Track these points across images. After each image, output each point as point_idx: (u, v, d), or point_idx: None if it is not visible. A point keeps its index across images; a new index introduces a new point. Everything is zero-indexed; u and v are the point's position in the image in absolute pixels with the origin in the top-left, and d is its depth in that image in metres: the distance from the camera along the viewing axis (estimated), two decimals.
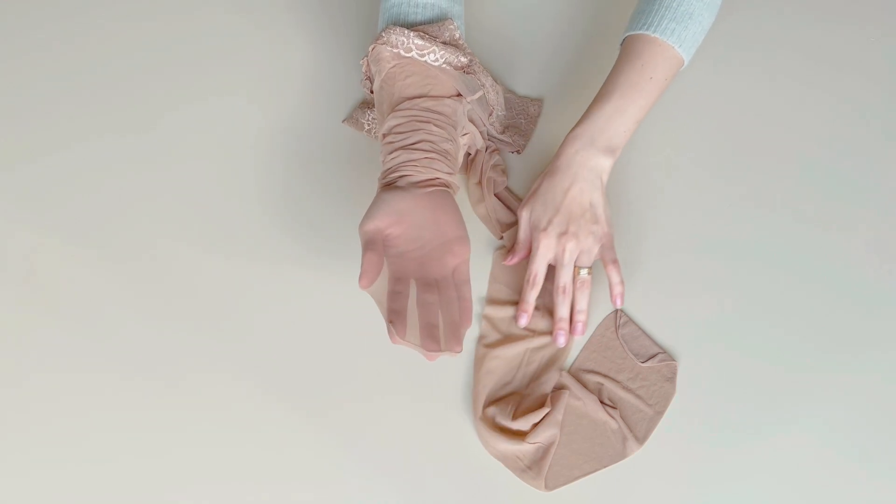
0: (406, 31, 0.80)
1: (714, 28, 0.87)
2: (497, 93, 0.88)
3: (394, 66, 0.81)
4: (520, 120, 0.92)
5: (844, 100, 0.92)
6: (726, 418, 0.79)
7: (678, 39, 0.81)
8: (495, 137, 0.90)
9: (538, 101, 0.93)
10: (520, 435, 0.77)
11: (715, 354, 0.81)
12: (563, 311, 0.81)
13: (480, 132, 0.87)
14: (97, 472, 0.77)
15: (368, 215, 0.75)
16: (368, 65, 0.85)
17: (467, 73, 0.84)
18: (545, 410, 0.78)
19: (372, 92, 0.88)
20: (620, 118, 0.81)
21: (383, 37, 0.81)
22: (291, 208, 0.88)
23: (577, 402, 0.79)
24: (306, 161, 0.90)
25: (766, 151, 0.90)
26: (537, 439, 0.77)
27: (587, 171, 0.80)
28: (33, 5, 0.99)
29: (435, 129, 0.79)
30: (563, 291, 0.81)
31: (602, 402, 0.80)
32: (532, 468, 0.77)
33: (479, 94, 0.83)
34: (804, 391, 0.80)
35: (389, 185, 0.77)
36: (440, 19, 0.84)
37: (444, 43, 0.82)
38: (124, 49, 0.97)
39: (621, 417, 0.79)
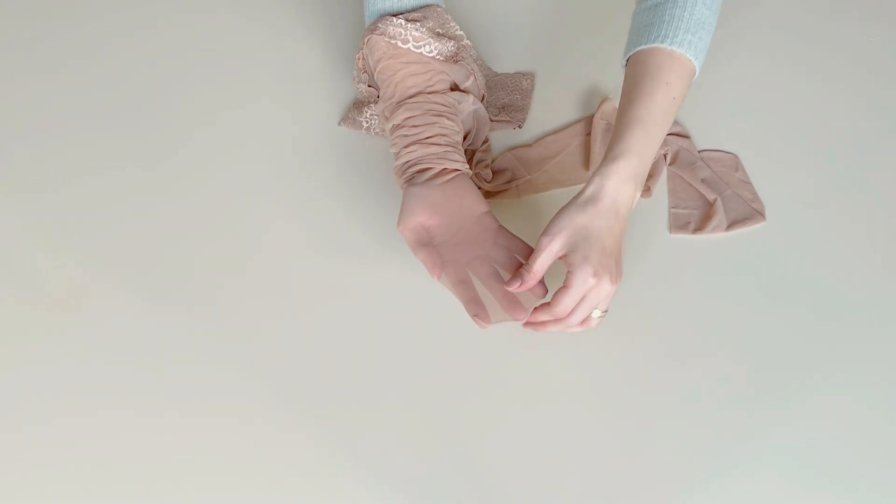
0: (403, 22, 0.82)
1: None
2: (482, 76, 0.89)
3: (391, 58, 0.82)
4: (515, 97, 0.93)
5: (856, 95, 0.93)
6: (713, 427, 0.78)
7: (695, 51, 0.76)
8: (493, 120, 0.91)
9: (530, 75, 0.95)
10: None
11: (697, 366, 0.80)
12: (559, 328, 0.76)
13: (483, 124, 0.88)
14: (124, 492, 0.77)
15: (407, 213, 0.78)
16: (364, 58, 0.86)
17: (457, 62, 0.85)
18: None
19: (370, 86, 0.89)
20: (654, 147, 0.75)
21: (380, 27, 0.81)
22: (311, 214, 0.89)
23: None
24: (311, 164, 0.91)
25: (776, 152, 0.90)
26: None
27: (626, 209, 0.74)
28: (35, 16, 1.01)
29: (447, 122, 0.81)
30: (567, 326, 0.75)
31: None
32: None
33: (471, 79, 0.84)
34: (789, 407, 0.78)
35: (411, 179, 0.79)
36: (425, 5, 0.85)
37: (435, 31, 0.83)
38: (130, 64, 0.98)
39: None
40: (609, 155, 0.74)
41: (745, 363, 0.80)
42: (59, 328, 0.83)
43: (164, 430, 0.78)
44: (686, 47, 0.76)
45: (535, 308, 0.75)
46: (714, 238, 0.86)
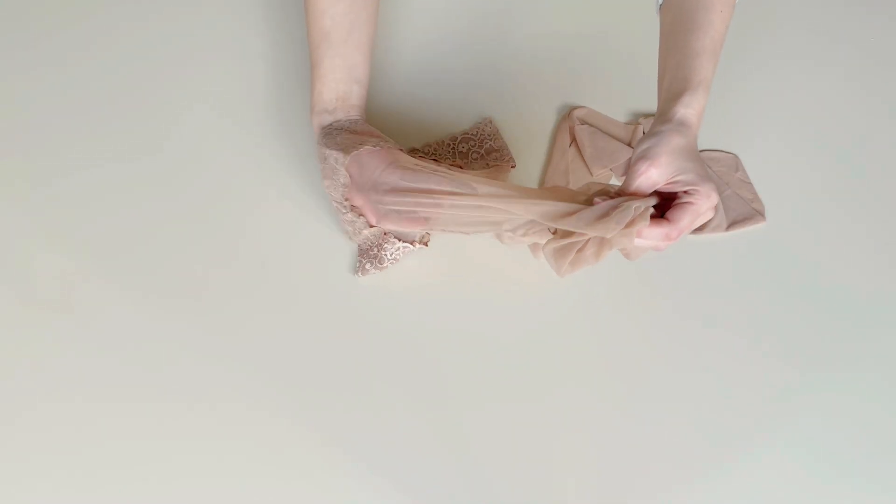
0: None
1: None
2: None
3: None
4: (488, 144, 0.90)
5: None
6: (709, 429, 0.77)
7: None
8: (491, 165, 0.88)
9: (487, 119, 0.91)
10: None
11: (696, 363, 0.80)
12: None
13: None
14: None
15: None
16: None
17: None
18: None
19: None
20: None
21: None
22: (304, 204, 0.87)
23: None
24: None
25: (776, 152, 0.90)
26: None
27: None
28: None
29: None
30: (674, 238, 0.68)
31: None
32: None
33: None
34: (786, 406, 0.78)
35: None
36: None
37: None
38: (113, 57, 0.96)
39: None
40: (689, 84, 0.70)
41: (745, 363, 0.80)
42: (49, 326, 0.81)
43: (159, 428, 0.77)
44: None
45: (651, 221, 0.66)
46: (714, 238, 0.85)
